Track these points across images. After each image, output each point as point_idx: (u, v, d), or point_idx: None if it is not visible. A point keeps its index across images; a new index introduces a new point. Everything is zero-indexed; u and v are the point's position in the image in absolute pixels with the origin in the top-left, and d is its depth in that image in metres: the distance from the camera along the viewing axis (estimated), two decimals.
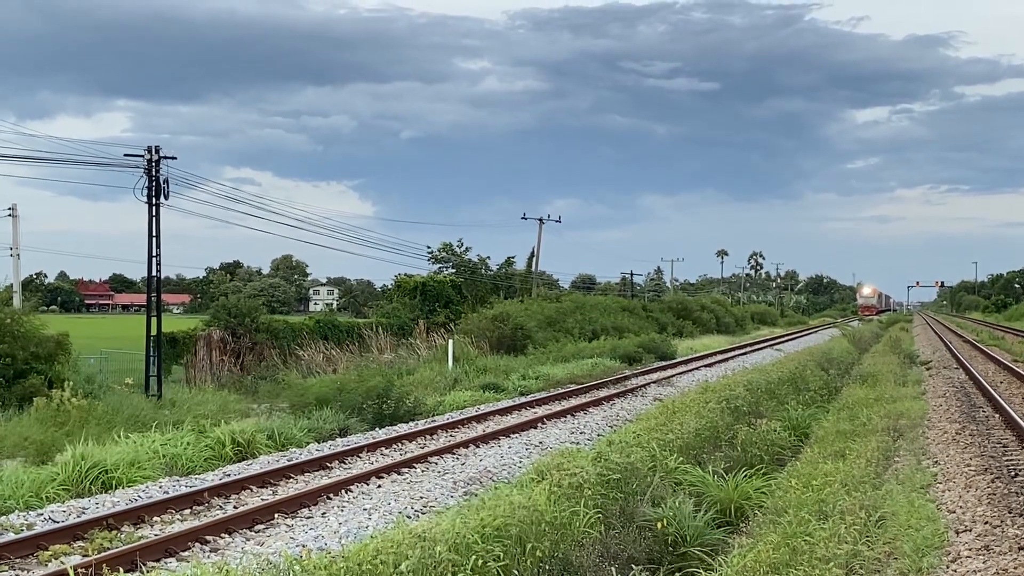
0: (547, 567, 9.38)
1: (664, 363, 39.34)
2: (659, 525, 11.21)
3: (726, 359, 42.11)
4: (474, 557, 8.45)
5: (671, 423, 16.75)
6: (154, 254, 25.98)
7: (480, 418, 21.86)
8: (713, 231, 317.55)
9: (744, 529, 12.10)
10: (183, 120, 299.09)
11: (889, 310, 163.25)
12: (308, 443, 18.50)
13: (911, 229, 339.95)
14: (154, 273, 26.27)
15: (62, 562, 10.18)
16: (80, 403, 18.70)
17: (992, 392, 22.98)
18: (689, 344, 52.91)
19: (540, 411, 23.33)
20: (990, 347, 46.57)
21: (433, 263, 64.66)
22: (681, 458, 14.54)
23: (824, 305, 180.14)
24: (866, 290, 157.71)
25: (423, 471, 15.64)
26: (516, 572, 8.85)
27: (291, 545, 10.75)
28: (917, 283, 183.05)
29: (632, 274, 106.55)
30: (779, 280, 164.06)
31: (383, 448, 17.84)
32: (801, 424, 19.80)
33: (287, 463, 15.87)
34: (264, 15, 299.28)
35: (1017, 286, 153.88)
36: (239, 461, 16.53)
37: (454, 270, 64.34)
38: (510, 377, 29.90)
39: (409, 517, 11.83)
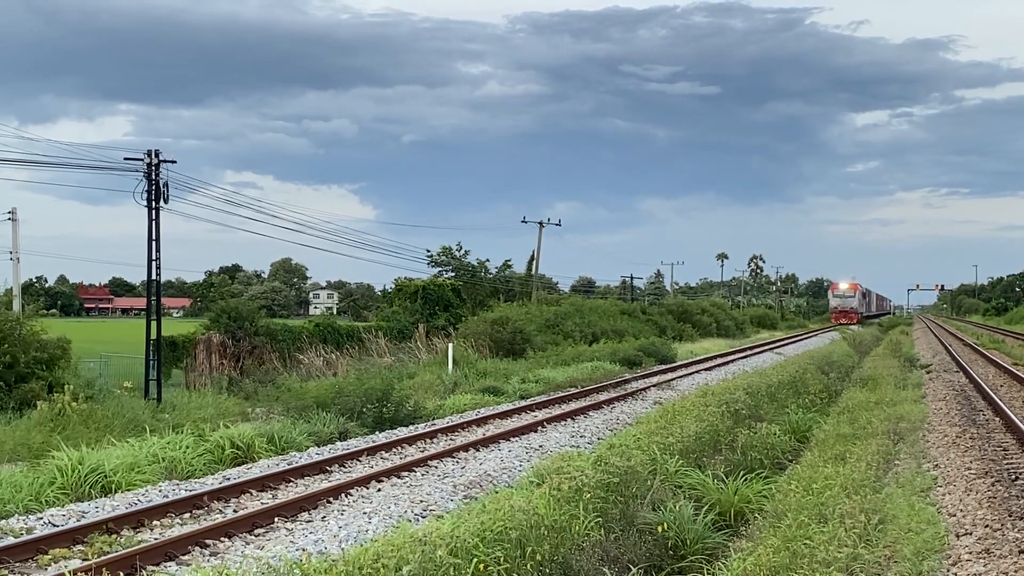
0: (547, 571, 9.38)
1: (664, 366, 39.30)
2: (659, 529, 11.21)
3: (726, 362, 42.10)
4: (475, 561, 8.45)
5: (671, 427, 16.75)
6: (154, 258, 25.95)
7: (480, 422, 21.84)
8: (713, 234, 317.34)
9: (744, 533, 12.09)
10: (185, 124, 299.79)
11: (885, 313, 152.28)
12: (308, 447, 18.47)
13: (911, 232, 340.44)
14: (154, 277, 26.25)
15: (62, 566, 10.17)
16: (80, 407, 18.69)
17: (992, 395, 22.97)
18: (689, 347, 52.90)
19: (540, 415, 23.32)
20: (990, 350, 46.56)
21: (432, 267, 64.71)
22: (681, 461, 14.55)
23: (824, 308, 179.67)
24: (842, 285, 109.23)
25: (423, 475, 15.63)
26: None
27: (291, 549, 10.74)
28: (917, 286, 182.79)
29: (632, 277, 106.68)
30: (779, 283, 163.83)
31: (383, 452, 17.83)
32: (801, 428, 19.81)
33: (287, 467, 15.86)
34: (266, 20, 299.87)
35: (1017, 289, 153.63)
36: (238, 465, 16.51)
37: (453, 273, 64.35)
38: (510, 380, 29.87)
39: (409, 521, 11.82)
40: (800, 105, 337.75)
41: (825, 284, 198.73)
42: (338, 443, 19.11)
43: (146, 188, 25.64)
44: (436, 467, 16.25)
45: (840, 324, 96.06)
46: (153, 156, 25.63)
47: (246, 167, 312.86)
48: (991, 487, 12.43)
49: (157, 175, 25.68)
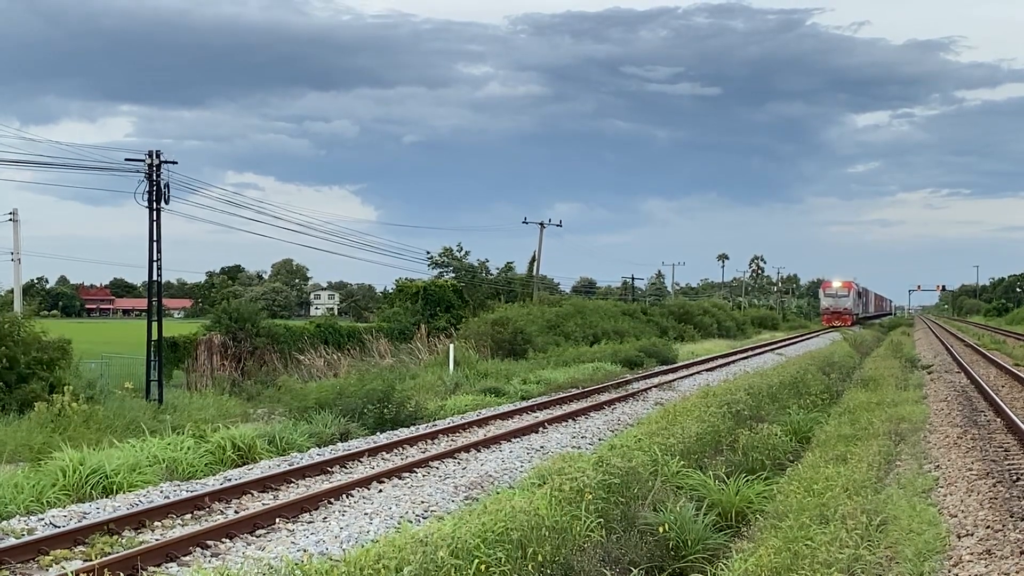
0: (548, 571, 9.38)
1: (665, 367, 39.31)
2: (660, 529, 11.22)
3: (727, 363, 42.09)
4: (476, 562, 8.45)
5: (672, 427, 16.76)
6: (155, 259, 25.95)
7: (481, 422, 21.84)
8: (714, 235, 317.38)
9: (746, 533, 12.09)
10: (186, 125, 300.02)
11: (885, 313, 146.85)
12: (309, 448, 18.48)
13: (912, 233, 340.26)
14: (155, 278, 26.24)
15: (63, 567, 10.18)
16: (81, 408, 18.69)
17: (993, 396, 22.96)
18: (690, 348, 52.90)
19: (541, 415, 23.32)
20: (991, 351, 46.55)
21: (433, 267, 64.72)
22: (683, 462, 14.56)
23: None
24: (835, 283, 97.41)
25: (424, 476, 15.63)
26: None
27: (292, 550, 10.74)
28: (919, 287, 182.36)
29: (633, 278, 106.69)
30: (780, 284, 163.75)
31: (384, 452, 17.83)
32: (802, 428, 19.81)
33: (288, 468, 15.86)
34: (268, 21, 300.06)
35: (1018, 290, 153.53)
36: (240, 466, 16.52)
37: (454, 274, 64.37)
38: (511, 381, 29.88)
39: (411, 522, 11.83)
40: (801, 106, 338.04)
41: None
42: (339, 444, 19.12)
43: (147, 189, 25.63)
44: (437, 468, 16.26)
45: (833, 326, 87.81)
46: (154, 157, 25.62)
47: (247, 168, 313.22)
48: (992, 488, 12.43)
49: (158, 176, 25.68)
